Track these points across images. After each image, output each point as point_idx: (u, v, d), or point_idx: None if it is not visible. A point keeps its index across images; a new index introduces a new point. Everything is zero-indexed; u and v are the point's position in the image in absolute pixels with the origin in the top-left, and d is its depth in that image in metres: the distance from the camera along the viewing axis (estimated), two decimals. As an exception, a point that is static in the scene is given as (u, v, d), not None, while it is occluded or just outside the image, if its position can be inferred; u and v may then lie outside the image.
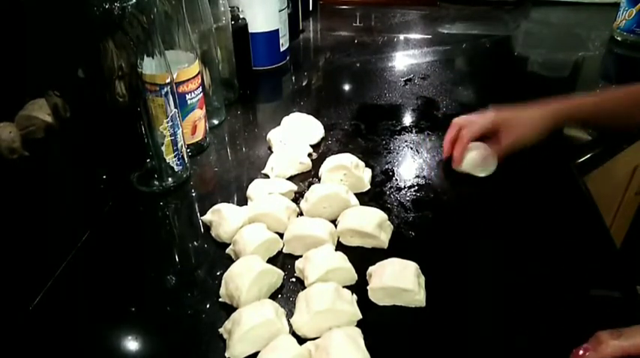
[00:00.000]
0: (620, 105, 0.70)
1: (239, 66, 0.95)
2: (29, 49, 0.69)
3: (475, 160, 0.70)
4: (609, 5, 1.39)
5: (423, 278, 0.54)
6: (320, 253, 0.55)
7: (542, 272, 0.57)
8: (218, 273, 0.56)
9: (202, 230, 0.64)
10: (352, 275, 0.55)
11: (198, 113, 0.74)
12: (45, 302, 0.54)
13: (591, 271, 0.57)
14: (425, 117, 0.90)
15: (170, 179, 0.70)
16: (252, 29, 1.00)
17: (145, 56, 0.60)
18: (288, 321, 0.50)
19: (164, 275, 0.57)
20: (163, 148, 0.67)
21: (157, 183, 0.70)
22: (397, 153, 0.79)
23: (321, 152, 0.80)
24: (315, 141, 0.81)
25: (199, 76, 0.73)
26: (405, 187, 0.71)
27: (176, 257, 0.61)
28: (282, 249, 0.60)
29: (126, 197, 0.70)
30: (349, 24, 1.44)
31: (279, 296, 0.54)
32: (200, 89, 0.73)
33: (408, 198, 0.69)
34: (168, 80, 0.63)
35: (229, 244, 0.59)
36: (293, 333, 0.49)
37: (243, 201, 0.68)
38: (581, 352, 0.43)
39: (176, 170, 0.70)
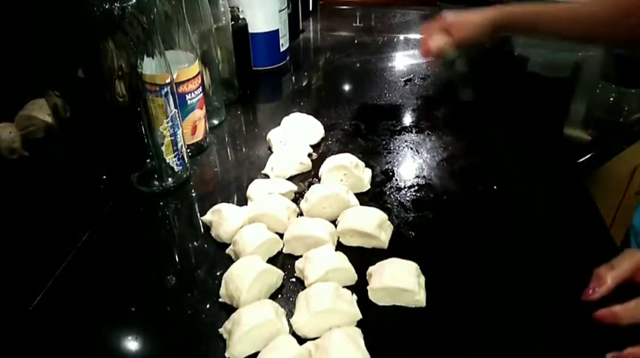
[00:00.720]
0: (560, 22, 0.77)
1: (239, 66, 0.95)
2: (29, 49, 0.69)
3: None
4: (609, 5, 1.39)
5: (423, 278, 0.54)
6: (320, 253, 0.55)
7: (542, 272, 0.57)
8: (218, 273, 0.56)
9: (202, 230, 0.64)
10: (352, 275, 0.55)
11: (198, 113, 0.74)
12: (45, 302, 0.54)
13: (591, 271, 0.57)
14: (425, 117, 0.90)
15: (170, 179, 0.70)
16: (252, 29, 1.00)
17: (145, 56, 0.60)
18: (288, 321, 0.50)
19: (164, 275, 0.57)
20: (163, 148, 0.67)
21: (157, 183, 0.70)
22: (397, 153, 0.79)
23: (321, 152, 0.80)
24: (315, 141, 0.81)
25: (199, 76, 0.73)
26: (405, 187, 0.71)
27: (176, 257, 0.61)
28: (282, 249, 0.60)
29: (126, 197, 0.70)
30: (349, 24, 1.44)
31: (279, 296, 0.54)
32: (200, 89, 0.73)
33: (408, 198, 0.69)
34: (168, 80, 0.63)
35: (229, 244, 0.59)
36: (293, 333, 0.49)
37: (243, 201, 0.68)
38: (590, 292, 0.49)
39: (176, 170, 0.70)
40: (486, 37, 0.83)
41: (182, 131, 0.68)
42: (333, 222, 0.62)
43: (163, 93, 0.63)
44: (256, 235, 0.57)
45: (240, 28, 0.96)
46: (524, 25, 0.81)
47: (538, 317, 0.51)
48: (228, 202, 0.65)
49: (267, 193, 0.65)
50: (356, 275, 0.55)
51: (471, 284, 0.55)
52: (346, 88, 1.07)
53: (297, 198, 0.68)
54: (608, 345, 0.48)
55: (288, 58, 1.13)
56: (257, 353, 0.46)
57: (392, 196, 0.69)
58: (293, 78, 1.12)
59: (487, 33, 0.82)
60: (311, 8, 1.44)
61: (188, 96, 0.71)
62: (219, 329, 0.49)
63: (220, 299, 0.53)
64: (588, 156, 0.78)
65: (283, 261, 0.59)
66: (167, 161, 0.68)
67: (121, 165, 0.73)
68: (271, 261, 0.58)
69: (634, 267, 0.53)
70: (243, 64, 0.98)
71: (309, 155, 0.77)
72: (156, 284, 0.56)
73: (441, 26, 0.86)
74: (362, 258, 0.57)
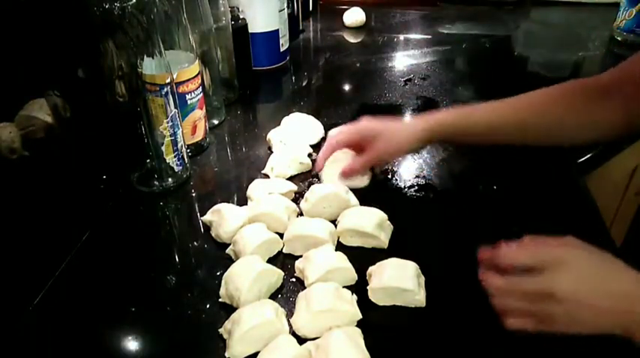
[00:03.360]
0: (504, 123, 0.65)
1: (239, 66, 0.95)
2: (29, 49, 0.69)
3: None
4: (609, 5, 1.39)
5: (423, 278, 0.54)
6: (320, 253, 0.55)
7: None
8: (218, 273, 0.56)
9: (202, 230, 0.64)
10: (352, 275, 0.55)
11: (198, 113, 0.74)
12: (45, 302, 0.54)
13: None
14: (425, 117, 0.90)
15: (170, 179, 0.70)
16: (252, 29, 1.00)
17: (145, 56, 0.60)
18: (288, 321, 0.50)
19: (164, 275, 0.57)
20: (163, 148, 0.67)
21: (157, 183, 0.70)
22: (397, 153, 0.79)
23: (321, 152, 0.80)
24: (315, 141, 0.81)
25: (199, 76, 0.73)
26: (405, 187, 0.71)
27: (176, 257, 0.61)
28: (282, 249, 0.60)
29: (126, 197, 0.70)
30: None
31: (279, 296, 0.54)
32: (200, 89, 0.73)
33: (408, 198, 0.69)
34: (168, 80, 0.63)
35: (229, 244, 0.59)
36: (293, 333, 0.49)
37: (243, 201, 0.68)
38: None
39: (176, 170, 0.70)
40: (409, 153, 0.72)
41: (182, 131, 0.68)
42: (333, 222, 0.62)
43: (163, 93, 0.63)
44: (256, 235, 0.57)
45: (240, 28, 0.96)
46: (457, 135, 0.66)
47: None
48: (228, 202, 0.65)
49: (267, 193, 0.65)
50: (356, 275, 0.55)
51: (470, 284, 0.55)
52: (346, 87, 1.07)
53: (297, 198, 0.68)
54: (609, 345, 0.48)
55: (288, 58, 1.13)
56: (257, 353, 0.46)
57: (392, 196, 0.69)
58: (293, 78, 1.12)
59: (414, 149, 0.71)
60: (311, 8, 1.44)
61: (188, 96, 0.71)
62: (219, 329, 0.49)
63: (220, 299, 0.53)
64: (588, 156, 0.77)
65: (283, 261, 0.59)
66: (167, 161, 0.68)
67: (121, 165, 0.73)
68: (271, 261, 0.58)
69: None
70: (243, 64, 0.98)
71: (309, 155, 0.77)
72: (156, 284, 0.56)
73: (349, 135, 0.67)
74: (362, 258, 0.57)
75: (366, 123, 0.67)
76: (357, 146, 0.67)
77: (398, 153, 0.69)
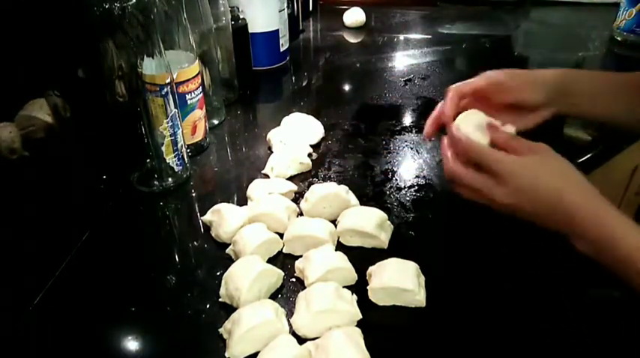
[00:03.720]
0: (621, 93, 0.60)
1: (239, 66, 0.95)
2: (29, 49, 0.69)
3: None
4: (609, 5, 1.40)
5: (423, 278, 0.54)
6: (320, 253, 0.55)
7: (542, 272, 0.57)
8: (218, 273, 0.56)
9: (202, 230, 0.64)
10: (352, 275, 0.55)
11: (198, 113, 0.74)
12: (45, 301, 0.54)
13: (591, 271, 0.57)
14: (425, 117, 0.89)
15: (170, 179, 0.70)
16: (252, 29, 1.00)
17: (145, 56, 0.60)
18: (288, 321, 0.50)
19: (164, 275, 0.57)
20: (163, 148, 0.67)
21: (157, 183, 0.70)
22: (397, 153, 0.79)
23: (321, 152, 0.80)
24: (315, 141, 0.81)
25: (199, 76, 0.73)
26: (405, 187, 0.71)
27: (176, 257, 0.61)
28: (282, 249, 0.60)
29: (126, 197, 0.70)
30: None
31: (279, 296, 0.54)
32: (200, 89, 0.73)
33: (408, 198, 0.69)
34: (168, 80, 0.63)
35: (229, 244, 0.59)
36: (293, 333, 0.49)
37: (243, 201, 0.68)
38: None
39: (176, 170, 0.70)
40: (544, 102, 0.58)
41: (182, 131, 0.68)
42: (333, 222, 0.62)
43: (163, 93, 0.63)
44: (256, 235, 0.57)
45: (240, 28, 0.96)
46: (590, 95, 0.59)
47: (537, 317, 0.51)
48: (228, 202, 0.65)
49: (267, 193, 0.65)
50: (356, 275, 0.55)
51: (470, 284, 0.55)
52: (346, 87, 1.07)
53: (297, 198, 0.68)
54: (610, 346, 0.48)
55: (288, 58, 1.13)
56: (257, 353, 0.46)
57: (392, 196, 0.69)
58: (293, 78, 1.12)
59: (549, 96, 0.57)
60: (311, 8, 1.44)
61: (188, 96, 0.71)
62: (219, 329, 0.49)
63: (220, 299, 0.53)
64: (588, 156, 0.77)
65: (283, 260, 0.59)
66: (167, 161, 0.68)
67: (121, 165, 0.73)
68: (271, 261, 0.58)
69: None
70: (243, 64, 0.98)
71: (309, 155, 0.77)
72: (156, 284, 0.56)
73: (474, 84, 0.59)
74: (362, 258, 0.57)
75: (490, 74, 0.59)
76: (483, 96, 0.59)
77: (528, 102, 0.58)
